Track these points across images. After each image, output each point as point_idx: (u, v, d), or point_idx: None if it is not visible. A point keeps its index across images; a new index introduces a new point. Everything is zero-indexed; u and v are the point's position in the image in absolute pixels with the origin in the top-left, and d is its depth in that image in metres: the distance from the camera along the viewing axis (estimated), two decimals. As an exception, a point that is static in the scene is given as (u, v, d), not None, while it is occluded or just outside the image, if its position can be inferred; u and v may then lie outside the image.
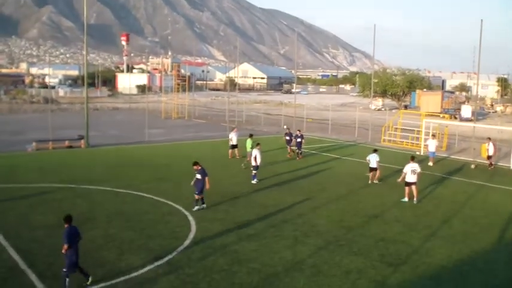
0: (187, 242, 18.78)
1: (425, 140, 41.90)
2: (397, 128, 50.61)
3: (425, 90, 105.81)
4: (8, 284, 14.96)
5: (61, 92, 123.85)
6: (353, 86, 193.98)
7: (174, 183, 29.02)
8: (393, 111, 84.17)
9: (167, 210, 23.36)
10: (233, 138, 38.19)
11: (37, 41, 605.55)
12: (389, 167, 34.54)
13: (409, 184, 25.77)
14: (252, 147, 33.09)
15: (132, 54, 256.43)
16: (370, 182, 30.27)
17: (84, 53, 48.34)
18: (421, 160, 35.59)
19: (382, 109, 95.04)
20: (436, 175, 33.12)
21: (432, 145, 37.73)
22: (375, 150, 31.21)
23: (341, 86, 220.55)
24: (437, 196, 27.29)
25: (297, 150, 38.96)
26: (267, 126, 61.43)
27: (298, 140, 38.79)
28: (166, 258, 17.08)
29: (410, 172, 25.57)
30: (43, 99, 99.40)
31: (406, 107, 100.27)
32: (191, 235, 19.64)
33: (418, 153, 42.19)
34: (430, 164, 36.68)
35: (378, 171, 30.36)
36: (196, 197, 23.34)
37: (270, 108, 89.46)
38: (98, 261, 16.76)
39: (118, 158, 37.37)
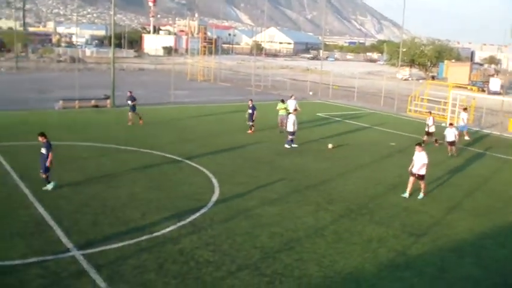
0: (210, 204, 18.96)
1: (455, 112, 41.36)
2: (423, 99, 50.11)
3: (453, 61, 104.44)
4: (35, 238, 15.27)
5: (88, 52, 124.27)
6: (380, 55, 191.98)
7: (199, 145, 29.20)
8: (420, 81, 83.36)
9: (191, 171, 23.56)
10: (290, 106, 35.88)
11: (64, 0, 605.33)
12: (413, 137, 34.33)
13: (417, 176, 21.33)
14: (286, 112, 33.30)
15: (158, 16, 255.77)
16: (449, 154, 30.10)
17: (112, 13, 48.34)
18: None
19: (409, 79, 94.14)
20: (463, 148, 32.82)
21: (464, 118, 36.92)
22: (451, 124, 31.09)
23: (368, 54, 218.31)
24: (462, 169, 27.11)
25: (249, 123, 34.13)
26: (293, 92, 61.02)
27: (249, 111, 34.07)
28: (189, 219, 17.27)
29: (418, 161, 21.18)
30: (70, 58, 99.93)
31: (433, 77, 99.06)
32: (214, 197, 19.82)
33: (443, 124, 41.82)
34: (467, 138, 35.97)
35: (455, 145, 30.21)
36: (43, 175, 20.13)
37: (296, 74, 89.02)
38: (122, 220, 17.04)
39: (143, 118, 37.58)
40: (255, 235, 16.21)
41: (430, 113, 35.23)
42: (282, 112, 34.19)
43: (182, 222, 16.94)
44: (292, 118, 29.97)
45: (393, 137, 35.60)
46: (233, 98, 53.27)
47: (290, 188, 21.66)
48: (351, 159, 27.88)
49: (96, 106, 42.37)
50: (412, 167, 21.22)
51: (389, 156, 29.34)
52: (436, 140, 33.23)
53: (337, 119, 43.00)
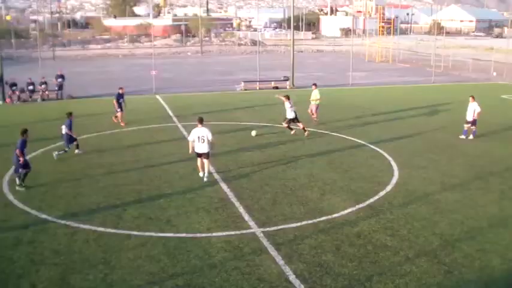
0: (389, 187, 18.76)
1: None
2: None
3: None
4: (219, 213, 16.20)
5: (266, 35, 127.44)
6: None
7: (378, 127, 28.98)
8: None
9: (370, 153, 23.45)
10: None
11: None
12: None
13: None
14: None
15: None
16: None
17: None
18: None
19: None
20: None
21: None
22: None
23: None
24: None
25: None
26: (475, 73, 58.22)
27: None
28: (367, 202, 17.25)
29: None
30: (250, 41, 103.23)
31: None
32: (393, 180, 19.57)
33: None
34: None
35: None
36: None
37: (478, 54, 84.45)
38: (301, 200, 17.44)
39: (323, 100, 37.82)
40: (434, 221, 15.80)
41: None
42: None
43: (360, 205, 16.97)
44: (473, 107, 27.40)
45: None
46: (413, 79, 51.90)
47: (472, 174, 20.75)
48: (540, 145, 26.02)
49: (276, 87, 43.47)
50: None
51: None
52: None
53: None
